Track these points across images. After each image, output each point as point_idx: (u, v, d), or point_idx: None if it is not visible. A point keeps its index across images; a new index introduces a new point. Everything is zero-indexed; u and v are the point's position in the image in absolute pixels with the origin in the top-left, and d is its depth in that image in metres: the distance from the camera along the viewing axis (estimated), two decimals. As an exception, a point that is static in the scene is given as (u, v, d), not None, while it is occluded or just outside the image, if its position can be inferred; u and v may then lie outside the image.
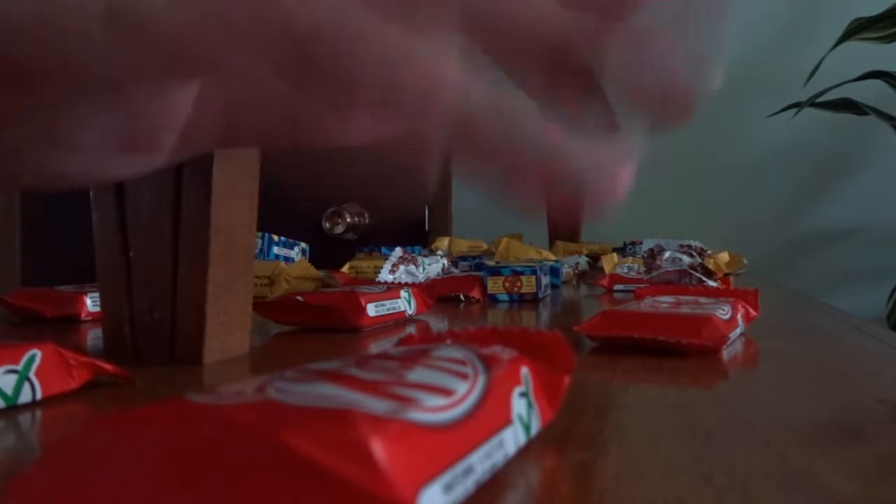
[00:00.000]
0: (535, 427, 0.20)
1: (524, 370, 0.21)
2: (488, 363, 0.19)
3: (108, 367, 0.30)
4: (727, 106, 1.76)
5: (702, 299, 0.47)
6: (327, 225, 1.85)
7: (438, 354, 0.19)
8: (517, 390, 0.20)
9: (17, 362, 0.27)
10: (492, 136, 0.18)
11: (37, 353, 0.27)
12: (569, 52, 0.21)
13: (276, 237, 0.81)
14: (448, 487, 0.14)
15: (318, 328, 0.48)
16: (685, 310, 0.42)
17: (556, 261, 0.91)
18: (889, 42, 1.48)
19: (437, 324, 0.54)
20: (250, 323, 0.39)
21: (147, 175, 0.37)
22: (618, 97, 0.23)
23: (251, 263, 0.38)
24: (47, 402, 0.27)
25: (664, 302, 0.46)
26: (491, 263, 0.74)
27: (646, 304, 0.45)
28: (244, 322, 0.38)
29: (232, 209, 0.36)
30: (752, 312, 0.47)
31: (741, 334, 0.44)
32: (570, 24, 0.20)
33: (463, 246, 1.08)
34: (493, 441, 0.17)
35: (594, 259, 1.21)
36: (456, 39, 0.17)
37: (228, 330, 0.37)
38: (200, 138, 0.19)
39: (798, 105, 1.48)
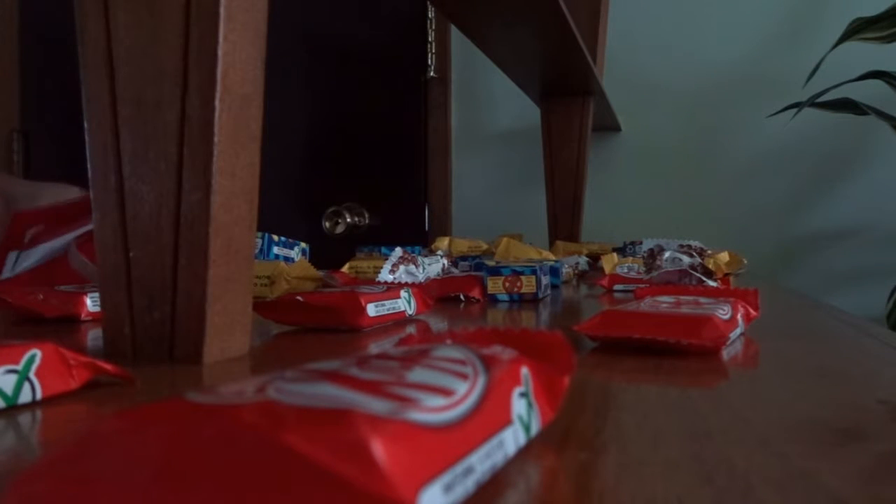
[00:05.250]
0: (535, 427, 0.20)
1: (524, 370, 0.21)
2: (488, 363, 0.19)
3: (108, 367, 0.30)
4: (727, 106, 1.77)
5: (702, 299, 0.47)
6: (327, 225, 1.85)
7: (438, 354, 0.19)
8: (517, 390, 0.20)
9: (17, 362, 0.27)
10: None
11: (37, 353, 0.27)
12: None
13: (276, 237, 0.81)
14: (448, 487, 0.14)
15: (318, 328, 0.48)
16: (685, 310, 0.42)
17: (556, 261, 0.91)
18: (889, 42, 1.48)
19: (437, 324, 0.54)
20: (250, 323, 0.39)
21: (147, 176, 0.37)
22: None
23: (251, 263, 0.38)
24: (47, 402, 0.27)
25: (664, 302, 0.46)
26: (491, 263, 0.74)
27: (646, 304, 0.45)
28: (244, 322, 0.38)
29: (232, 209, 0.36)
30: (752, 312, 0.47)
31: (741, 334, 0.44)
32: None
33: (463, 246, 1.08)
34: (493, 441, 0.17)
35: (594, 259, 1.21)
36: None
37: (228, 330, 0.37)
38: None
39: (798, 105, 1.48)
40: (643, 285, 0.63)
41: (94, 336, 0.47)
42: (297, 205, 1.91)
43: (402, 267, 0.73)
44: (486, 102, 1.92)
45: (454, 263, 0.86)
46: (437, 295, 0.68)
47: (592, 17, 1.57)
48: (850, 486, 0.18)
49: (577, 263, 1.05)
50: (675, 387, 0.30)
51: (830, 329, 0.52)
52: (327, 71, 1.92)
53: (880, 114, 1.46)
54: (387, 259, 0.73)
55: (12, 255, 0.78)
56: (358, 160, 1.93)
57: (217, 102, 0.34)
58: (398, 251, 0.74)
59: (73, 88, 0.54)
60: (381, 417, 0.13)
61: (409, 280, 0.72)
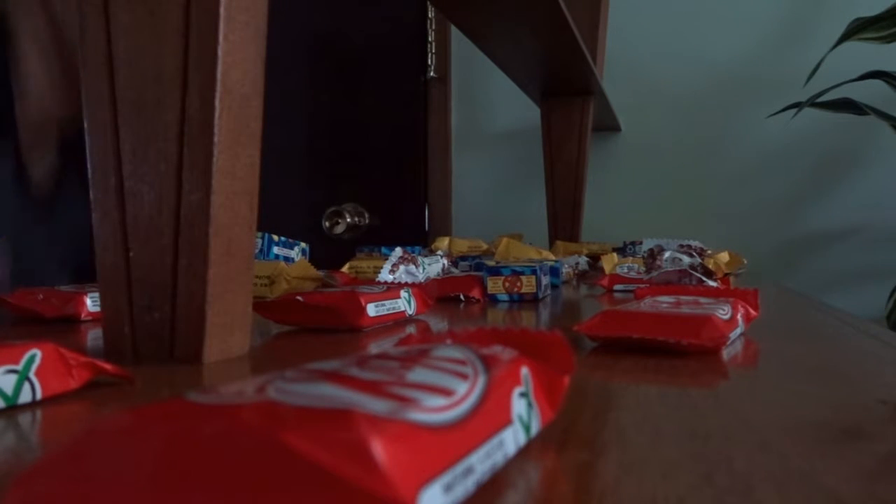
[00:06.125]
0: (535, 427, 0.20)
1: (524, 370, 0.21)
2: (488, 363, 0.19)
3: (108, 367, 0.30)
4: (727, 106, 1.76)
5: (702, 299, 0.47)
6: (327, 225, 1.85)
7: (438, 354, 0.19)
8: (517, 390, 0.20)
9: (17, 362, 0.27)
10: None
11: (37, 353, 0.27)
12: None
13: (276, 237, 0.81)
14: (448, 487, 0.14)
15: (318, 328, 0.48)
16: (685, 310, 0.42)
17: (556, 261, 0.91)
18: (889, 42, 1.48)
19: (437, 324, 0.54)
20: (250, 323, 0.39)
21: (147, 176, 0.37)
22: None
23: (251, 263, 0.38)
24: (47, 402, 0.27)
25: (664, 302, 0.46)
26: (491, 263, 0.74)
27: (646, 304, 0.45)
28: (244, 322, 0.38)
29: (232, 209, 0.36)
30: (752, 312, 0.47)
31: (741, 334, 0.44)
32: None
33: (463, 246, 1.08)
34: (493, 441, 0.17)
35: (594, 259, 1.21)
36: None
37: (228, 330, 0.37)
38: None
39: (798, 105, 1.48)
40: (643, 285, 0.63)
41: (94, 336, 0.47)
42: (297, 205, 1.91)
43: (402, 267, 0.73)
44: (486, 102, 1.92)
45: (454, 263, 0.86)
46: (437, 295, 0.68)
47: (592, 17, 1.57)
48: (850, 485, 0.18)
49: (577, 263, 1.05)
50: (675, 387, 0.30)
51: (830, 329, 0.52)
52: (327, 71, 1.92)
53: (880, 114, 1.46)
54: (387, 259, 0.73)
55: None
56: (358, 160, 1.93)
57: (217, 102, 0.34)
58: (398, 251, 0.74)
59: (73, 88, 0.54)
60: (382, 417, 0.13)
61: (409, 280, 0.72)
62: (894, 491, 0.18)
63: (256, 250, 0.78)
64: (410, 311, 0.53)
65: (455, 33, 1.86)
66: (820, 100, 1.49)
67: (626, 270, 0.86)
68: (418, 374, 0.17)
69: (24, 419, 0.25)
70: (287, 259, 0.81)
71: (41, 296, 0.54)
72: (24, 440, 0.24)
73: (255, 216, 0.38)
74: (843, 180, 1.72)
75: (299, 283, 0.67)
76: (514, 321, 0.56)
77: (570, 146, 1.46)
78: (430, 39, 1.88)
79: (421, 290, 0.56)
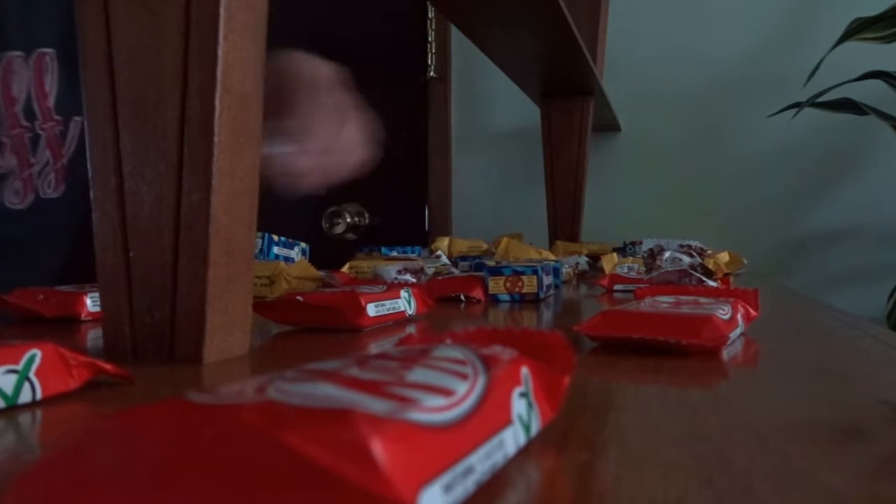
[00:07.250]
0: (535, 427, 0.20)
1: (524, 370, 0.21)
2: (488, 363, 0.19)
3: (108, 367, 0.30)
4: (727, 106, 1.77)
5: (702, 299, 0.47)
6: (327, 225, 1.85)
7: (438, 354, 0.19)
8: (517, 390, 0.20)
9: (17, 362, 0.27)
10: None
11: (37, 353, 0.27)
12: None
13: (276, 237, 0.81)
14: (448, 487, 0.14)
15: (318, 328, 0.48)
16: (685, 310, 0.42)
17: (556, 261, 0.91)
18: (889, 42, 1.48)
19: (437, 324, 0.54)
20: (250, 323, 0.39)
21: (147, 176, 0.37)
22: None
23: (251, 263, 0.38)
24: (47, 402, 0.27)
25: (664, 302, 0.46)
26: (491, 263, 0.74)
27: (646, 304, 0.45)
28: (244, 322, 0.38)
29: (232, 209, 0.36)
30: (752, 312, 0.47)
31: (741, 334, 0.44)
32: None
33: (463, 246, 1.08)
34: (493, 441, 0.17)
35: (594, 259, 1.21)
36: None
37: (228, 330, 0.37)
38: None
39: (798, 105, 1.48)
40: (643, 285, 0.63)
41: (94, 336, 0.47)
42: (297, 204, 1.91)
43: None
44: (486, 102, 1.92)
45: (454, 263, 0.86)
46: (437, 295, 0.68)
47: (592, 17, 1.57)
48: (849, 485, 0.18)
49: (577, 263, 1.05)
50: (675, 387, 0.30)
51: (830, 329, 0.52)
52: (327, 71, 1.92)
53: (880, 114, 1.46)
54: (387, 259, 0.73)
55: None
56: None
57: (217, 102, 0.34)
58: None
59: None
60: (381, 417, 0.13)
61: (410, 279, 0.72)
62: (894, 491, 0.18)
63: (256, 250, 0.78)
64: (410, 311, 0.53)
65: (455, 33, 1.86)
66: (820, 100, 1.49)
67: (626, 270, 0.86)
68: (418, 374, 0.17)
69: (24, 419, 0.25)
70: (287, 259, 0.81)
71: (41, 296, 0.54)
72: (24, 440, 0.24)
73: (255, 216, 0.38)
74: (843, 180, 1.72)
75: (299, 283, 0.67)
76: (514, 321, 0.56)
77: (570, 146, 1.46)
78: (430, 39, 1.88)
79: (421, 290, 0.56)
